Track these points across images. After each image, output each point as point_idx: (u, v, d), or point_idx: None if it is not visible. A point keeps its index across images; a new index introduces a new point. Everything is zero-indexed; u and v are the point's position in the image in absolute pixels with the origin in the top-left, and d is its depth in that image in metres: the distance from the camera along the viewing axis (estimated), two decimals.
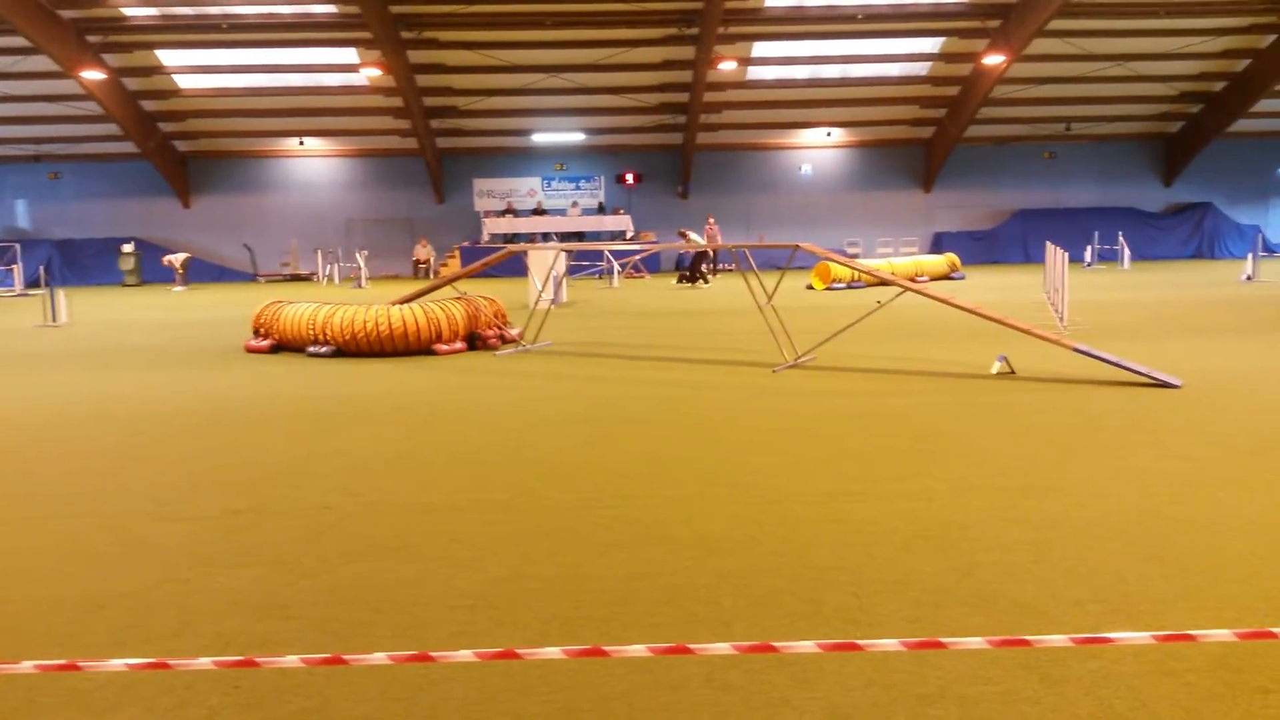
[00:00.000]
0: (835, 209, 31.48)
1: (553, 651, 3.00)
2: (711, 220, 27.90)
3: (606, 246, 19.55)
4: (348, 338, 11.44)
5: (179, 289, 26.23)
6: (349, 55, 26.33)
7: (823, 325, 11.82)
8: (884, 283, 12.57)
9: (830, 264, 20.52)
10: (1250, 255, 21.84)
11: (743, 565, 4.26)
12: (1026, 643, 3.20)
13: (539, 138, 30.76)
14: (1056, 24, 24.22)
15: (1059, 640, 3.27)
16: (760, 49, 26.52)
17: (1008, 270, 27.29)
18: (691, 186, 31.39)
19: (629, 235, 29.77)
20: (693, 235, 22.92)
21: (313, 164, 31.49)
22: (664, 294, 21.32)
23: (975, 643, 3.16)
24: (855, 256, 28.67)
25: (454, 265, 28.17)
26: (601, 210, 31.01)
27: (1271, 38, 26.29)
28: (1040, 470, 5.75)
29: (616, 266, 24.47)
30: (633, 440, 6.85)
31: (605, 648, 2.97)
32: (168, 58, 26.53)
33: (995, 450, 6.28)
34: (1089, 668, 3.20)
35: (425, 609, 3.84)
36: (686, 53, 25.86)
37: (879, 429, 7.03)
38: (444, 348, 11.58)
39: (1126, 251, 26.18)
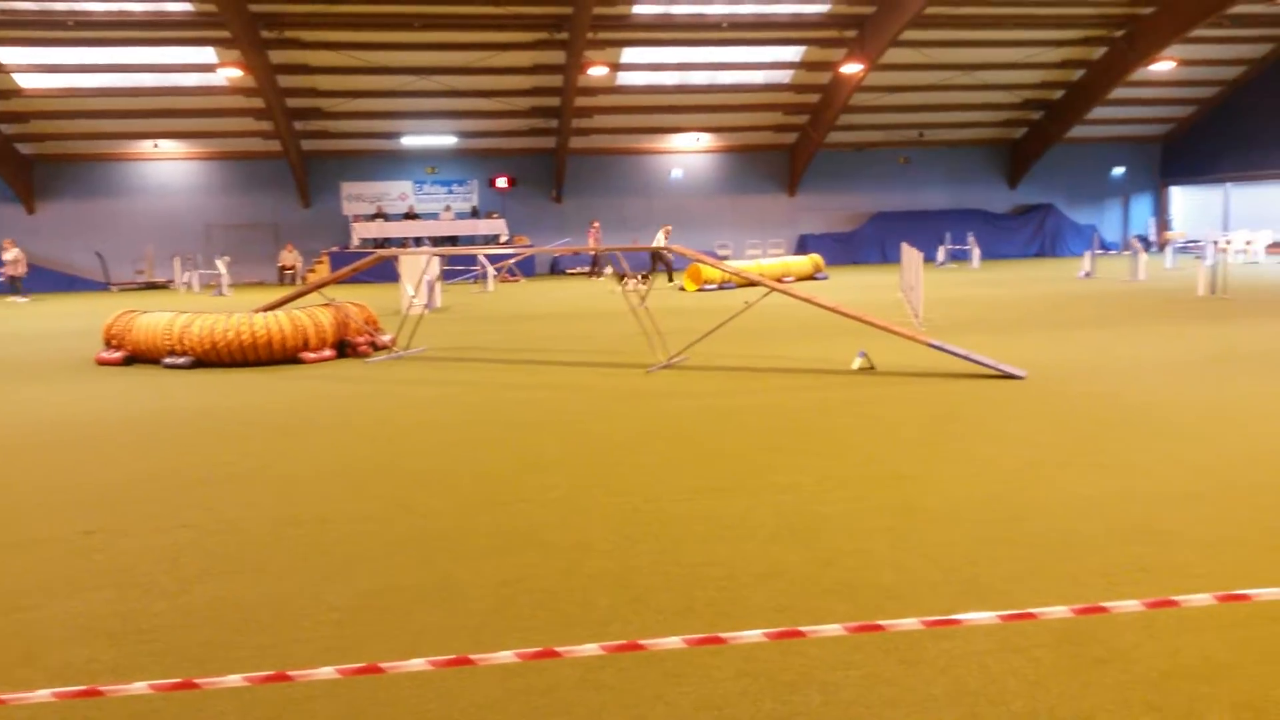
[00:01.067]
0: (706, 212, 32.01)
1: (418, 664, 2.96)
2: (596, 225, 28.06)
3: (481, 250, 19.36)
4: (207, 347, 10.99)
5: (21, 299, 24.60)
6: (206, 55, 25.23)
7: (695, 326, 12.02)
8: (752, 283, 12.88)
9: (701, 266, 20.86)
10: (1088, 253, 23.38)
11: (617, 565, 4.31)
12: (884, 627, 3.34)
13: (409, 140, 30.18)
14: (909, 34, 25.29)
15: (915, 623, 3.43)
16: (629, 55, 26.75)
17: (868, 270, 28.33)
18: (566, 190, 31.38)
19: (503, 239, 29.55)
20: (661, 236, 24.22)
21: (168, 167, 30.04)
22: (536, 297, 21.23)
23: (836, 629, 3.29)
24: (725, 258, 29.22)
25: (322, 271, 27.34)
26: (475, 214, 30.66)
27: (1103, 50, 28.16)
28: (898, 460, 6.02)
29: (491, 270, 24.26)
30: (508, 445, 6.82)
31: (472, 656, 2.96)
32: (7, 55, 24.84)
33: (857, 443, 6.54)
34: (943, 648, 3.37)
35: (290, 626, 3.74)
36: (557, 57, 25.85)
37: (748, 425, 7.21)
38: (311, 356, 11.25)
39: (976, 251, 27.53)
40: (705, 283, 21.33)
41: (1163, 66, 27.12)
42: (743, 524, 4.84)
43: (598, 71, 25.77)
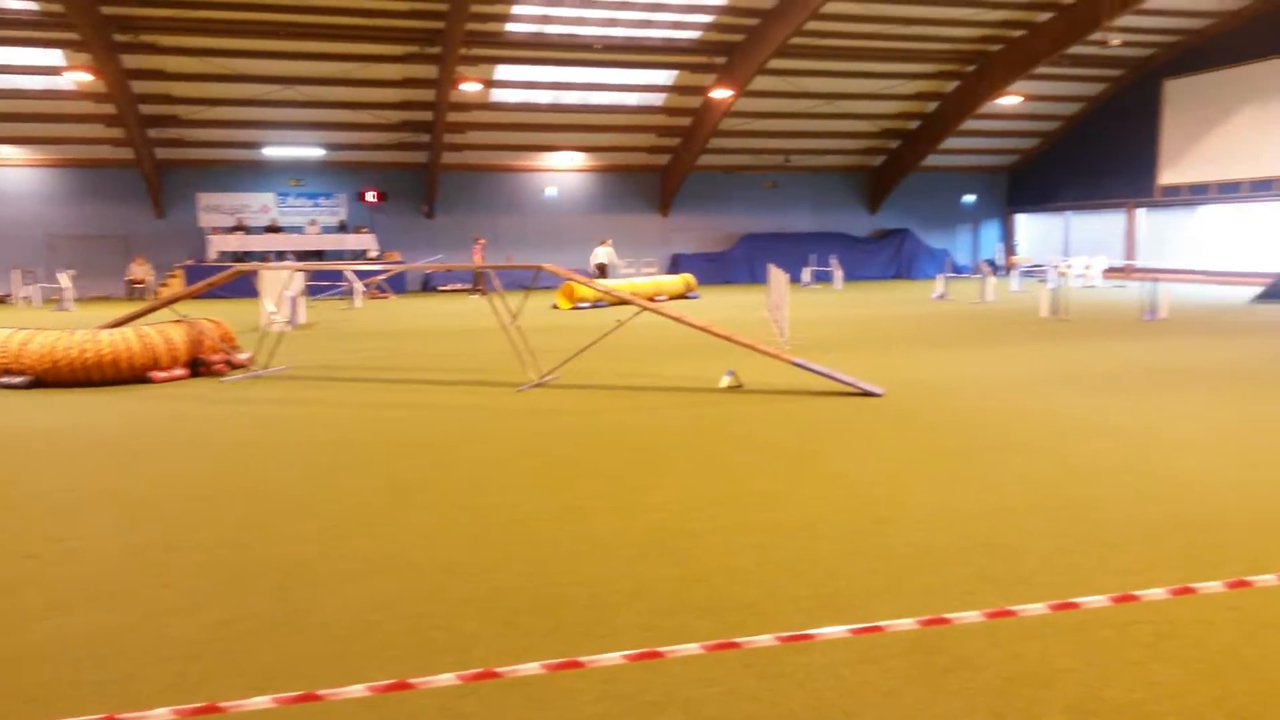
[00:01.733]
0: (580, 230, 32.11)
1: (261, 702, 2.84)
2: (482, 242, 27.70)
3: (348, 266, 18.83)
4: (47, 366, 10.33)
5: None
6: (53, 57, 23.82)
7: (567, 344, 12.03)
8: (625, 302, 12.98)
9: (574, 284, 20.89)
10: (941, 276, 24.56)
11: (484, 588, 4.26)
12: (743, 644, 3.41)
13: (272, 151, 29.18)
14: (776, 63, 26.10)
15: (775, 638, 3.52)
16: (503, 72, 26.65)
17: (737, 290, 28.97)
18: (438, 206, 30.94)
19: (372, 254, 28.88)
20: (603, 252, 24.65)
21: (8, 174, 28.14)
22: (406, 315, 20.83)
23: (694, 649, 3.33)
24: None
25: (176, 285, 26.11)
26: (343, 229, 29.88)
27: (955, 83, 29.75)
28: (764, 478, 6.16)
29: (359, 286, 23.66)
30: (373, 468, 6.66)
31: (321, 692, 2.86)
32: None
33: (724, 460, 6.66)
34: (801, 661, 3.47)
35: (133, 662, 3.54)
36: (429, 71, 25.53)
37: (618, 443, 7.25)
38: (162, 375, 10.71)
39: (839, 272, 28.52)
40: (579, 301, 21.38)
41: (1009, 101, 28.82)
42: (612, 543, 4.86)
43: (470, 88, 25.56)
